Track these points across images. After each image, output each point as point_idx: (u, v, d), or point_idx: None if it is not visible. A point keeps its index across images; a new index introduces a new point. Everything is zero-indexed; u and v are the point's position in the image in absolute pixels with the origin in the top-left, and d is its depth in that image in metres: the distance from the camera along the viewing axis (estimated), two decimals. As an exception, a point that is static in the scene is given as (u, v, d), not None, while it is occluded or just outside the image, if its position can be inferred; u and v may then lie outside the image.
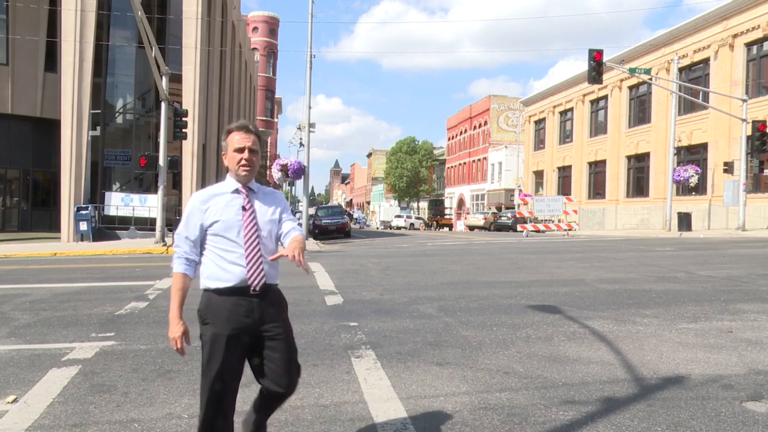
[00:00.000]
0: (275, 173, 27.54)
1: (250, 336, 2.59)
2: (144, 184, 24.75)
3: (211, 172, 26.64)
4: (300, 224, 3.26)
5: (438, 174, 75.69)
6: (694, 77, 28.52)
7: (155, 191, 20.92)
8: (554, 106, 42.12)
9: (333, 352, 5.28)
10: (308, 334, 5.89)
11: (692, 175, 25.46)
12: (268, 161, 53.44)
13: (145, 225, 21.95)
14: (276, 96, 58.88)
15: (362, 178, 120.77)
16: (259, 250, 2.61)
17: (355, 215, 76.46)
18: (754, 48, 25.28)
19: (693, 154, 28.66)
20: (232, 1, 30.70)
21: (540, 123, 45.14)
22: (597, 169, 37.28)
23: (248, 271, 2.58)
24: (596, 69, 21.04)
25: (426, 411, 3.77)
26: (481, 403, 3.90)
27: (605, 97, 35.75)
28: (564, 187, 40.59)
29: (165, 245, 18.05)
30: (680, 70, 27.80)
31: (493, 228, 39.26)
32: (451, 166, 69.28)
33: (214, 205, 2.65)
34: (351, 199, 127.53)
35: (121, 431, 3.54)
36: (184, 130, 19.73)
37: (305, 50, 31.75)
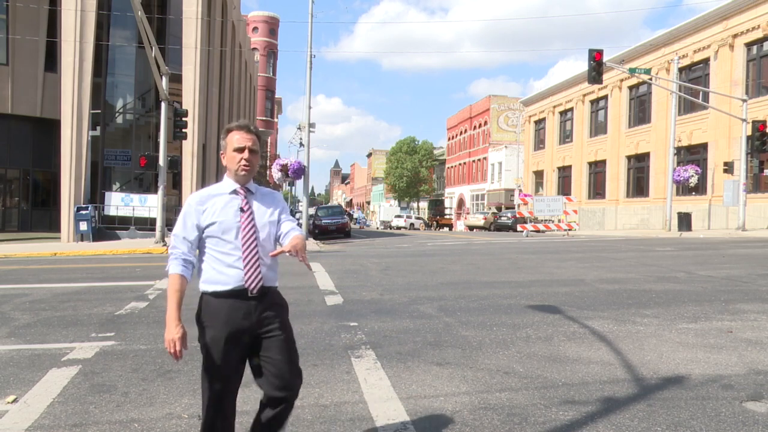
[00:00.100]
0: (275, 173, 27.54)
1: (250, 336, 2.57)
2: (144, 184, 24.75)
3: (211, 172, 26.65)
4: (299, 225, 3.20)
5: (438, 174, 75.69)
6: (694, 77, 28.52)
7: (155, 191, 20.92)
8: (554, 106, 42.12)
9: (333, 352, 5.28)
10: (308, 334, 5.89)
11: (692, 175, 25.46)
12: (268, 161, 53.44)
13: (145, 225, 21.95)
14: (276, 96, 58.90)
15: (362, 178, 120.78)
16: (257, 252, 2.57)
17: (355, 215, 76.45)
18: (754, 48, 25.27)
19: (693, 154, 28.66)
20: (232, 1, 30.71)
21: (540, 123, 45.14)
22: (597, 169, 37.27)
23: (246, 274, 2.54)
24: (596, 69, 21.04)
25: (426, 411, 3.77)
26: (481, 403, 3.90)
27: (605, 97, 35.75)
28: (564, 187, 40.59)
29: (165, 245, 18.05)
30: (680, 70, 27.80)
31: (493, 228, 39.26)
32: (451, 166, 69.29)
33: (211, 206, 2.60)
34: (351, 199, 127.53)
35: (121, 431, 3.54)
36: (184, 130, 19.73)
37: (305, 50, 31.77)
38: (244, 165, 2.62)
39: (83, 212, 20.49)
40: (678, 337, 5.67)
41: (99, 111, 22.62)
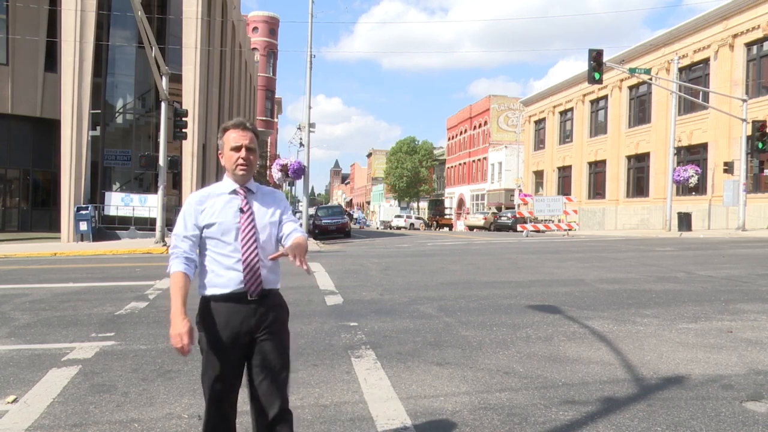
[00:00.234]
0: (275, 173, 27.56)
1: (250, 337, 2.54)
2: (144, 184, 24.75)
3: (211, 172, 26.66)
4: (301, 224, 3.15)
5: (438, 174, 75.70)
6: (694, 77, 28.52)
7: (155, 191, 20.92)
8: (554, 106, 42.13)
9: (333, 352, 5.28)
10: (308, 334, 5.89)
11: (692, 175, 25.46)
12: (268, 161, 53.43)
13: (145, 225, 21.95)
14: (276, 96, 58.87)
15: (362, 178, 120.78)
16: (256, 255, 2.51)
17: (355, 215, 76.44)
18: (754, 48, 25.27)
19: (693, 154, 28.66)
20: (232, 1, 30.71)
21: (540, 123, 45.14)
22: (597, 169, 37.28)
23: (245, 278, 2.49)
24: (596, 69, 21.03)
25: (426, 411, 3.77)
26: (481, 403, 3.90)
27: (605, 97, 35.76)
28: (564, 187, 40.59)
29: (165, 245, 18.05)
30: (680, 70, 27.79)
31: (493, 228, 39.26)
32: (451, 166, 69.29)
33: (210, 207, 2.55)
34: (351, 199, 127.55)
35: (121, 431, 3.54)
36: (184, 130, 19.73)
37: (305, 50, 31.78)
38: (242, 164, 2.56)
39: (83, 212, 20.49)
40: (678, 337, 5.67)
41: (99, 111, 22.62)
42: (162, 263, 13.43)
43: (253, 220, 2.55)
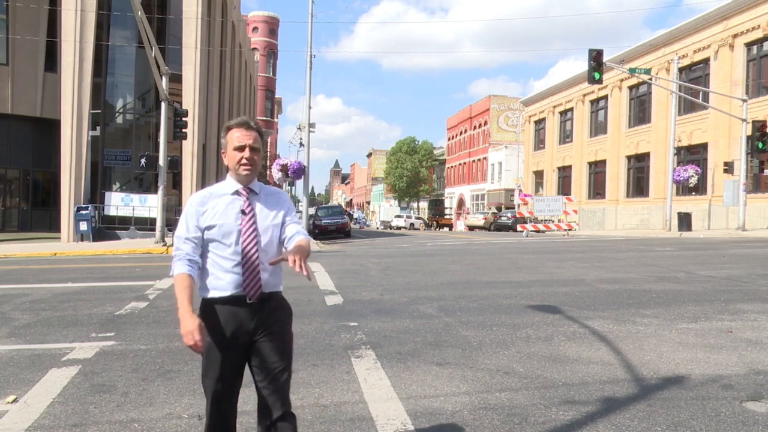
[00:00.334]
0: (275, 173, 27.56)
1: (250, 339, 2.52)
2: (144, 184, 24.75)
3: (211, 172, 26.66)
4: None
5: (438, 174, 75.70)
6: (694, 77, 28.52)
7: (155, 191, 20.92)
8: (554, 106, 42.13)
9: (333, 352, 5.28)
10: (308, 334, 5.89)
11: (692, 175, 25.47)
12: (268, 161, 53.42)
13: (145, 225, 21.95)
14: (276, 96, 58.89)
15: (362, 178, 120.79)
16: (257, 258, 2.47)
17: (355, 215, 76.45)
18: (754, 48, 25.27)
19: (693, 154, 28.66)
20: (232, 1, 30.71)
21: (540, 123, 45.14)
22: (597, 169, 37.28)
23: (244, 281, 2.45)
24: (596, 69, 21.03)
25: (426, 411, 3.77)
26: (481, 403, 3.90)
27: (605, 97, 35.76)
28: (564, 187, 40.60)
29: (165, 245, 18.06)
30: (680, 70, 27.79)
31: (493, 228, 39.26)
32: (451, 166, 69.30)
33: (212, 208, 2.51)
34: (351, 199, 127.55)
35: (121, 431, 3.54)
36: (184, 130, 19.73)
37: (305, 50, 31.78)
38: (245, 164, 2.51)
39: (83, 212, 20.50)
40: (678, 337, 5.67)
41: (99, 111, 22.62)
42: (162, 263, 13.47)
43: (254, 222, 2.51)
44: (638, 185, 33.09)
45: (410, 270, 11.76)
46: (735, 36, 25.80)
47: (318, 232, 28.31)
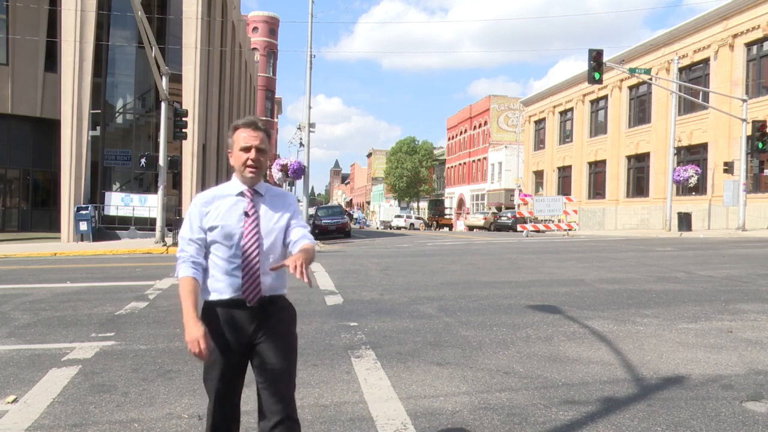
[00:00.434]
0: (275, 173, 27.58)
1: (249, 339, 2.50)
2: (144, 184, 24.75)
3: (211, 172, 26.66)
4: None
5: (438, 174, 75.71)
6: (694, 77, 28.52)
7: (155, 191, 20.92)
8: (554, 106, 42.13)
9: (333, 352, 5.28)
10: (308, 334, 5.89)
11: (692, 175, 25.47)
12: (268, 161, 53.47)
13: (145, 225, 21.95)
14: (276, 96, 58.91)
15: (362, 178, 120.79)
16: (257, 261, 2.43)
17: (355, 215, 76.44)
18: (754, 48, 25.27)
19: (693, 154, 28.66)
20: (232, 1, 30.71)
21: (540, 123, 45.14)
22: (597, 169, 37.28)
23: (244, 285, 2.41)
24: (596, 69, 21.03)
25: (426, 411, 3.77)
26: (481, 403, 3.90)
27: (605, 97, 35.76)
28: (564, 187, 40.60)
29: (165, 245, 18.06)
30: (680, 70, 27.79)
31: (493, 228, 39.26)
32: (451, 166, 69.30)
33: (215, 209, 2.47)
34: (351, 199, 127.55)
35: (121, 431, 3.54)
36: (184, 130, 19.74)
37: (305, 50, 31.79)
38: (251, 165, 2.46)
39: (83, 212, 20.50)
40: (678, 337, 5.67)
41: (99, 111, 22.63)
42: (162, 263, 13.47)
43: (257, 225, 2.46)
44: (638, 185, 33.09)
45: (410, 270, 11.76)
46: (735, 36, 25.80)
47: (318, 232, 28.31)
